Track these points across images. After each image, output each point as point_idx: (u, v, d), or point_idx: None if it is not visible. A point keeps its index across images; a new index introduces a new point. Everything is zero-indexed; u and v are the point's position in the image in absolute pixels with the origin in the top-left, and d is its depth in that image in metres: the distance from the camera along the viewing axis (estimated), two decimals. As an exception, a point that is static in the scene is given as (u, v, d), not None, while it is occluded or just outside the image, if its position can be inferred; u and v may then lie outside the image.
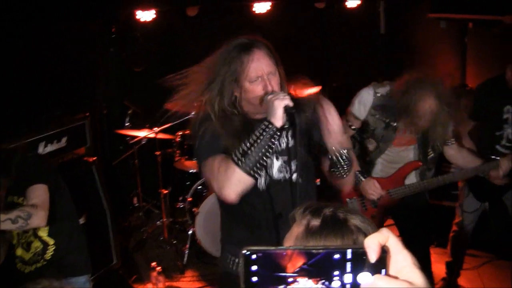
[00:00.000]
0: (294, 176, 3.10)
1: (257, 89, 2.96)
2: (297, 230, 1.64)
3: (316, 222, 1.63)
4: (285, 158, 3.14)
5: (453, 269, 5.65)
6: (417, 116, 4.09)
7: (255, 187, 3.01)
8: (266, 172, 3.09)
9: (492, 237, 6.24)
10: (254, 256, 1.00)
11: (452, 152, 4.61)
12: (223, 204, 3.23)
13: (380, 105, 4.34)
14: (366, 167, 4.56)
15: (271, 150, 2.85)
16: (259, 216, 3.16)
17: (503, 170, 4.48)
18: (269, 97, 2.81)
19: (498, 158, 4.96)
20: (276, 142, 2.89)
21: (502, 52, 6.77)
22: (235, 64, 2.96)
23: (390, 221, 5.13)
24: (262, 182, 3.09)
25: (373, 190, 4.44)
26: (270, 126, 2.77)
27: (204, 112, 3.09)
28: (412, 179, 4.55)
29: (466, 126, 5.06)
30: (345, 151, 3.07)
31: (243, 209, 3.14)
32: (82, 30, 6.47)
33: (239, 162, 2.80)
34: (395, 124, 4.35)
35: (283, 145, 3.11)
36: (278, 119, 2.76)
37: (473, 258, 6.22)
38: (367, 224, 1.65)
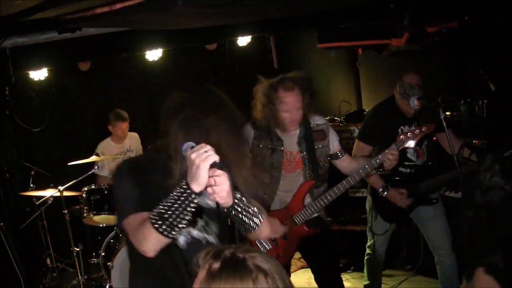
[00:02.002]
0: (213, 238, 2.99)
1: None
2: (201, 274, 1.69)
3: (216, 265, 1.68)
4: (207, 218, 2.99)
5: (372, 291, 5.78)
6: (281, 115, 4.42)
7: (174, 246, 2.85)
8: (188, 230, 2.91)
9: (405, 255, 6.46)
10: None
11: (345, 163, 4.70)
12: (138, 268, 3.11)
13: (259, 134, 4.55)
14: (264, 206, 4.57)
15: (190, 214, 2.55)
16: (176, 278, 2.92)
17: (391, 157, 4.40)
18: (191, 155, 2.42)
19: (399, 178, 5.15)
20: (196, 205, 2.54)
21: (392, 74, 7.04)
22: None
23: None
24: (182, 241, 2.90)
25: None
26: (189, 191, 2.45)
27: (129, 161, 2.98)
28: (308, 200, 4.62)
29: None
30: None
31: (163, 272, 2.93)
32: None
33: (156, 225, 2.53)
34: (280, 147, 4.51)
35: (207, 205, 2.89)
36: (201, 185, 2.43)
37: (390, 277, 6.44)
38: (269, 262, 1.70)
